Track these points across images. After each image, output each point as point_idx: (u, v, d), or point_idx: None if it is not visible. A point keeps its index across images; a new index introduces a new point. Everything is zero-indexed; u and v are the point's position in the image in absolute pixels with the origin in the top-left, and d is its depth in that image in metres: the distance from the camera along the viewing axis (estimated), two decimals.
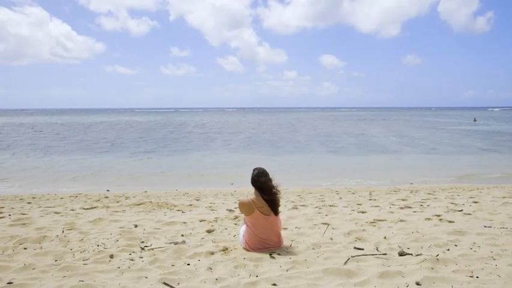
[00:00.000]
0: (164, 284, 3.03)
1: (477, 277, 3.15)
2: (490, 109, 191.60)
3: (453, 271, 3.29)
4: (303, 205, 7.54)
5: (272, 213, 4.16)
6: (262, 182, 4.13)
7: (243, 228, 4.36)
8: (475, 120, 57.64)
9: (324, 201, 8.22)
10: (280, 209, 7.00)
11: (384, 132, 36.36)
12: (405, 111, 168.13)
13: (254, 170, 4.27)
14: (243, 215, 4.45)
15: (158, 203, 7.96)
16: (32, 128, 44.68)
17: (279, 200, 4.22)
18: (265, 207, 4.13)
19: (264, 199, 4.13)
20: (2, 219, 6.05)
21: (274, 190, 4.15)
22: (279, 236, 4.28)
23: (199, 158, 19.25)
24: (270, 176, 4.23)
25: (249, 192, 9.55)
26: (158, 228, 5.35)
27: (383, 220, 5.71)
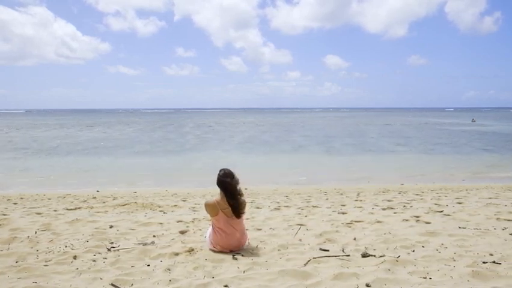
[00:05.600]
0: (112, 285, 3.02)
1: (430, 278, 3.11)
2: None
3: (409, 272, 3.26)
4: (287, 206, 7.49)
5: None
6: (227, 183, 4.09)
7: (209, 229, 4.35)
8: (473, 121, 57.18)
9: (310, 202, 8.17)
10: (262, 210, 6.95)
11: (382, 133, 36.20)
12: (406, 111, 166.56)
13: (220, 170, 4.25)
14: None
15: (143, 203, 7.96)
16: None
17: (242, 204, 4.18)
18: (229, 209, 4.11)
19: (227, 201, 4.10)
20: None
21: (237, 194, 4.11)
22: (243, 237, 4.25)
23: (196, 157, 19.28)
24: (236, 178, 4.21)
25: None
26: (132, 229, 5.34)
27: (360, 221, 5.66)
